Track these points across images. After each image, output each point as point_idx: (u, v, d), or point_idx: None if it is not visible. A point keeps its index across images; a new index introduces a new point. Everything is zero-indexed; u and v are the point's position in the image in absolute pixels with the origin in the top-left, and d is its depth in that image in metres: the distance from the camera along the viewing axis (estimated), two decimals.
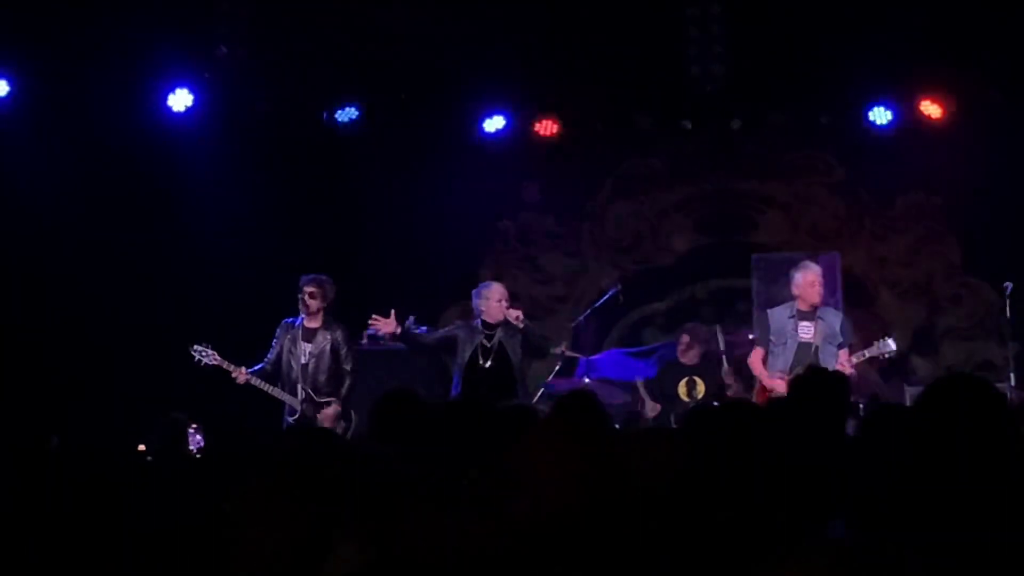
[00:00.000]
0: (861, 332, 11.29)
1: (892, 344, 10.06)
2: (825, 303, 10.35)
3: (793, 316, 10.09)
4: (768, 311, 10.47)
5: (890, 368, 12.20)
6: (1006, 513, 3.18)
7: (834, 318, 10.17)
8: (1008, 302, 11.01)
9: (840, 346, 10.02)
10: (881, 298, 13.05)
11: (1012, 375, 10.99)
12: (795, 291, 10.18)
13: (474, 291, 10.48)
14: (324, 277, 10.36)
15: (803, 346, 9.98)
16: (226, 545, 2.85)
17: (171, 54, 12.09)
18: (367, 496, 2.82)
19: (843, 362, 9.79)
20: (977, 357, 13.01)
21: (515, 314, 10.16)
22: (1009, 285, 10.98)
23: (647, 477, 3.32)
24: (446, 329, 10.62)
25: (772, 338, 10.14)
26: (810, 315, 10.06)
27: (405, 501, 2.91)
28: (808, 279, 10.09)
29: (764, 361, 10.17)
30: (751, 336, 11.74)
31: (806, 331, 10.03)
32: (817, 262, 12.14)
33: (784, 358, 9.98)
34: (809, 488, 3.44)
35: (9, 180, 12.19)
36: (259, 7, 12.29)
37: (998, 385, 10.97)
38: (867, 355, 10.04)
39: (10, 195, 12.17)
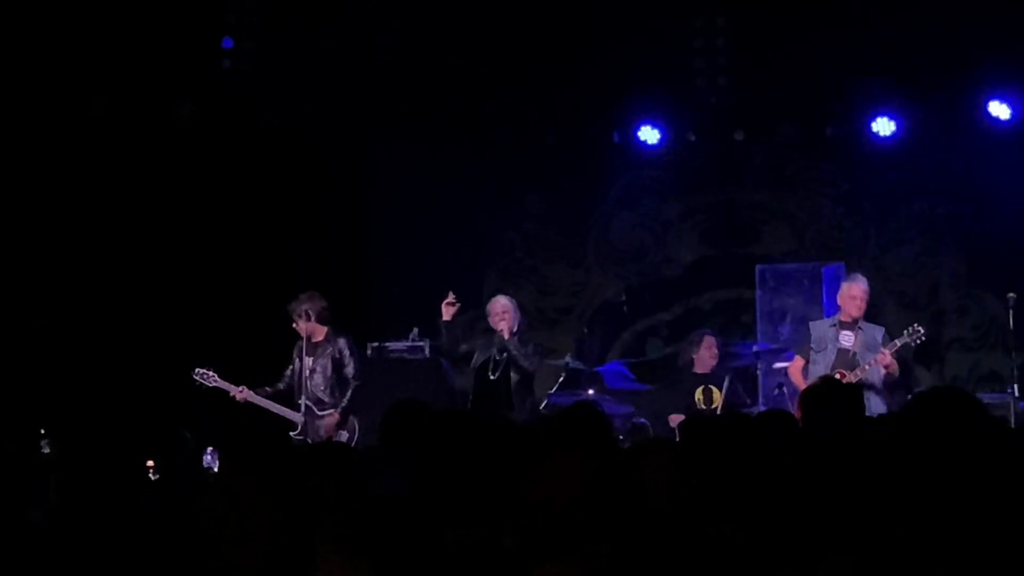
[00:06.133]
0: None
1: (921, 329, 10.21)
2: (863, 317, 10.40)
3: (835, 325, 10.31)
4: (810, 323, 10.73)
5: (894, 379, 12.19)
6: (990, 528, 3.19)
7: (875, 331, 10.35)
8: (1012, 313, 11.00)
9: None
10: (886, 309, 13.02)
11: (1016, 386, 10.98)
12: (838, 300, 10.45)
13: None
14: (302, 295, 10.40)
15: (843, 352, 10.18)
16: (210, 554, 2.86)
17: (174, 65, 12.11)
18: (359, 507, 2.81)
19: (880, 356, 9.92)
20: (982, 368, 12.99)
21: (499, 329, 10.61)
22: (1013, 296, 10.97)
23: (648, 487, 3.32)
24: (468, 345, 10.93)
25: (812, 346, 10.33)
26: (851, 325, 10.27)
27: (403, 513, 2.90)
28: (850, 292, 10.33)
29: (804, 370, 10.27)
30: (755, 348, 11.75)
31: (847, 339, 10.20)
32: (822, 273, 12.14)
33: (824, 363, 10.11)
34: (809, 502, 3.44)
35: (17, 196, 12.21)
36: (264, 19, 12.30)
37: (1002, 396, 11.07)
38: (899, 344, 10.13)
39: (13, 207, 12.19)
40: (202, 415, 10.23)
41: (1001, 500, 3.33)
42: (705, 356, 11.39)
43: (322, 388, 10.29)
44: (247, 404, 10.19)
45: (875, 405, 9.70)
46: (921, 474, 3.39)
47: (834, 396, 5.72)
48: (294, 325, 10.34)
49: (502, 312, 10.71)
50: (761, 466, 3.52)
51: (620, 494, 3.17)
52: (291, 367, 10.39)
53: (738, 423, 3.70)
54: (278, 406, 10.22)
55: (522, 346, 10.62)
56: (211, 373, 10.18)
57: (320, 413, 10.24)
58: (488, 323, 10.93)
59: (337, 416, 10.24)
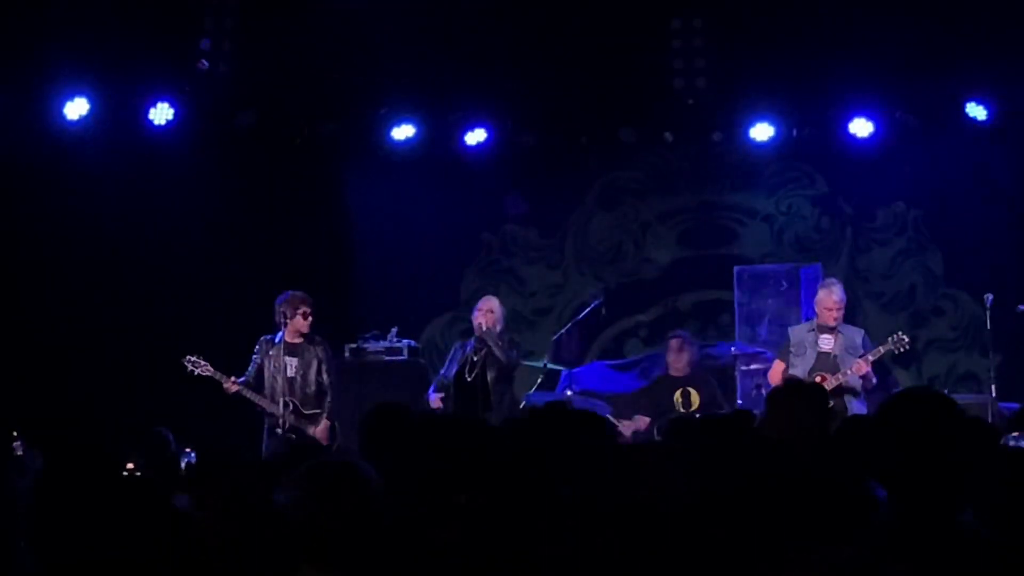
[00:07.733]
0: None
1: (905, 337, 10.20)
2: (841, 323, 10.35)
3: (813, 330, 10.25)
4: (790, 328, 10.66)
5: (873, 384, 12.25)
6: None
7: (854, 333, 10.31)
8: (989, 313, 11.03)
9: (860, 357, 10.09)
10: (863, 310, 13.06)
11: (994, 386, 11.01)
12: (815, 307, 10.41)
13: None
14: (296, 294, 10.38)
15: (822, 354, 10.14)
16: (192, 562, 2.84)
17: (152, 68, 12.07)
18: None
19: (860, 363, 9.87)
20: (960, 369, 13.04)
21: (477, 323, 10.54)
22: (990, 296, 11.00)
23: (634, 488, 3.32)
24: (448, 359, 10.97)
25: (792, 350, 10.27)
26: (830, 329, 10.18)
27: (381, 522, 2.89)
28: (826, 303, 10.24)
29: (785, 374, 10.24)
30: (732, 349, 11.75)
31: (826, 342, 10.16)
32: (800, 274, 12.12)
33: (803, 366, 10.07)
34: (789, 500, 3.44)
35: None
36: (243, 22, 12.25)
37: (980, 396, 11.10)
38: (882, 351, 10.10)
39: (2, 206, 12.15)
40: (185, 414, 10.23)
41: (973, 497, 3.34)
42: (681, 358, 11.37)
43: (310, 389, 10.26)
44: (236, 396, 10.15)
45: (856, 408, 9.69)
46: (894, 473, 3.40)
47: (797, 396, 5.72)
48: (287, 320, 10.26)
49: (488, 310, 10.67)
50: (741, 466, 3.53)
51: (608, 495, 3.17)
52: (261, 364, 10.31)
53: (720, 425, 3.70)
54: (266, 401, 10.19)
55: (499, 339, 10.59)
56: (203, 361, 10.16)
57: (307, 412, 10.22)
58: (468, 326, 10.90)
59: (328, 422, 10.22)
